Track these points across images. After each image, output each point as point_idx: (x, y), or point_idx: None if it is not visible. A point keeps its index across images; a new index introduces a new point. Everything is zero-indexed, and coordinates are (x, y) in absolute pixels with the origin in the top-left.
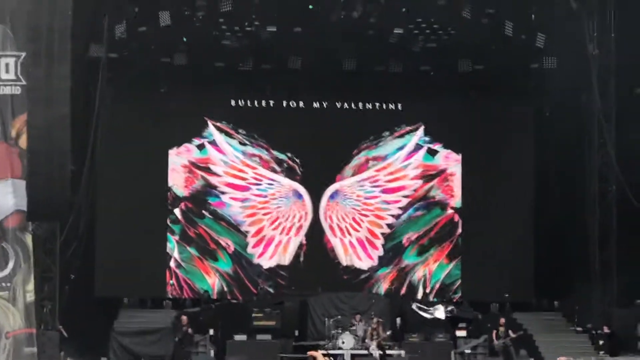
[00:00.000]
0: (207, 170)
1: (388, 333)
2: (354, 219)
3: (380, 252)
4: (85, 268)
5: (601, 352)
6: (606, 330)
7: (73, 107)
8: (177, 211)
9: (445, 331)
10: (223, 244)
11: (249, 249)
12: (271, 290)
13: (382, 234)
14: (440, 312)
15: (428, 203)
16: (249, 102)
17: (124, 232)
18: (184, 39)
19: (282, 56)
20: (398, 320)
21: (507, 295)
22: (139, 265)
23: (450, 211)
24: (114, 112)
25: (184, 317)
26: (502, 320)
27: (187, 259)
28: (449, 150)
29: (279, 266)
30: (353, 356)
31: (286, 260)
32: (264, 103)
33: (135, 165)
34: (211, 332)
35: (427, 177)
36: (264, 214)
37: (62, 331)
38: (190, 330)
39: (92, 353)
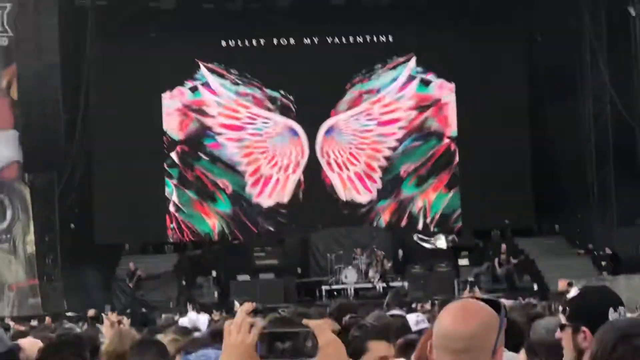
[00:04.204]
0: (201, 112)
1: (390, 265)
2: (350, 154)
3: (379, 185)
4: (85, 216)
5: (604, 273)
6: (608, 251)
7: (63, 56)
8: (173, 155)
9: (447, 261)
10: (221, 185)
11: (248, 189)
12: (272, 229)
13: (380, 166)
14: (441, 242)
15: (424, 133)
16: (239, 42)
17: (122, 179)
18: None
19: None
20: (400, 252)
21: (507, 221)
22: (139, 211)
23: (446, 140)
24: (105, 59)
25: (131, 264)
26: (504, 247)
27: (186, 202)
28: (442, 80)
29: (278, 204)
30: (356, 290)
31: (285, 198)
32: (254, 42)
33: (129, 111)
34: (214, 273)
35: (421, 108)
36: (261, 153)
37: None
38: (142, 274)
39: (95, 301)
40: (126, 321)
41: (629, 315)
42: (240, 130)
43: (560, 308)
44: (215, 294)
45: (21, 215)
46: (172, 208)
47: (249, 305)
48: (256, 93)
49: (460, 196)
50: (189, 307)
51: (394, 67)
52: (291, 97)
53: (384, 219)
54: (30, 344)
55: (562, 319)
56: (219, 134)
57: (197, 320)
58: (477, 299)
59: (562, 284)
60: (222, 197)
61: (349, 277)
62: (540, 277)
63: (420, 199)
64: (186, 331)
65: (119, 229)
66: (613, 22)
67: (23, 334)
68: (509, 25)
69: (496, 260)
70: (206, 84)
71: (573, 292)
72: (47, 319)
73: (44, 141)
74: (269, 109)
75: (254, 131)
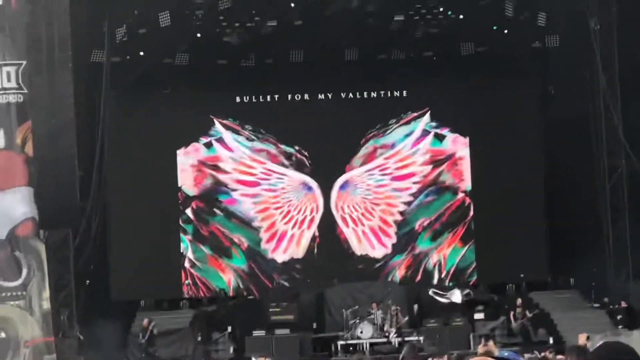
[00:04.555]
0: (216, 168)
1: (406, 319)
2: (365, 208)
3: (394, 239)
4: (100, 273)
5: (619, 327)
6: (623, 304)
7: (77, 112)
8: (188, 211)
9: (463, 315)
10: (236, 241)
11: (263, 245)
12: (287, 284)
13: (395, 221)
14: (456, 297)
15: (438, 188)
16: (253, 97)
17: (137, 235)
18: (185, 39)
19: (284, 50)
20: (415, 306)
21: (522, 275)
22: (154, 267)
23: (461, 195)
24: (119, 115)
25: (145, 320)
26: (520, 301)
27: (201, 258)
28: (456, 134)
29: (293, 259)
30: (372, 345)
31: (300, 253)
32: (268, 98)
33: (144, 167)
34: (229, 329)
35: (436, 162)
36: (276, 209)
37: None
38: (155, 331)
39: (111, 358)
40: None
41: None
42: (255, 186)
43: None
44: (231, 349)
45: (36, 272)
46: (187, 264)
47: None
48: (271, 149)
49: (475, 250)
50: None
51: (408, 122)
52: (306, 153)
53: (399, 273)
54: None
55: None
56: (234, 189)
57: None
58: (492, 357)
59: (582, 338)
60: (237, 253)
61: (365, 332)
62: (556, 330)
63: (435, 253)
64: None
65: (134, 285)
66: (626, 76)
67: None
68: (523, 79)
69: (511, 314)
70: (221, 140)
71: (590, 346)
72: None
73: (58, 198)
74: (283, 165)
75: (268, 187)
